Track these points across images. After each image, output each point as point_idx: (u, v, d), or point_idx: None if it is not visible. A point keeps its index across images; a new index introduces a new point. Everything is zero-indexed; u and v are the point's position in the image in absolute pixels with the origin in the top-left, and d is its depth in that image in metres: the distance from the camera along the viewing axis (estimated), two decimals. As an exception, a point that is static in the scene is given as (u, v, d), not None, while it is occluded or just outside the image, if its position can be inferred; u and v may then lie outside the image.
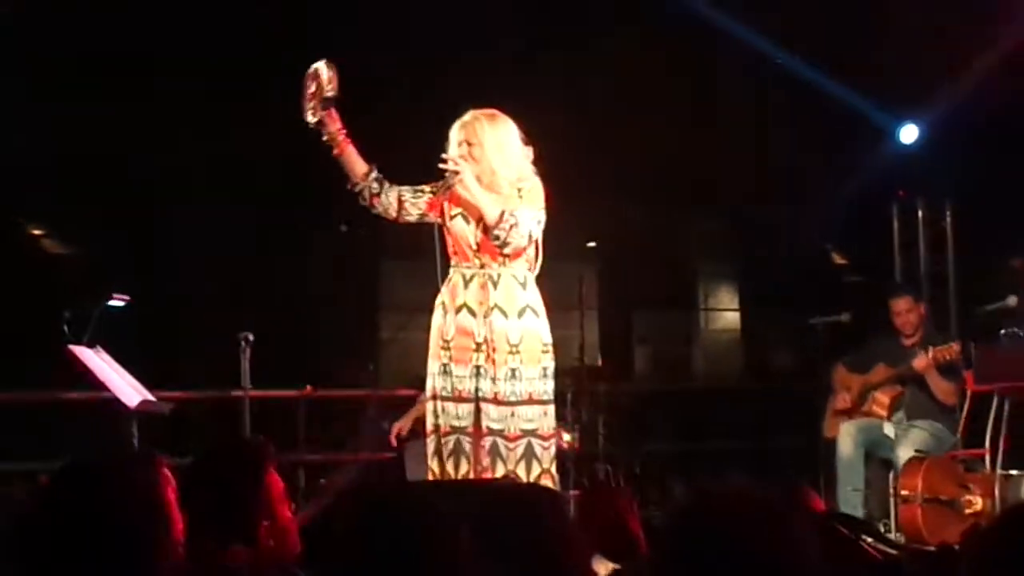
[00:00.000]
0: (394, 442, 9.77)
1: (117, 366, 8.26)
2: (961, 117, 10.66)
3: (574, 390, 10.38)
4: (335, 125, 6.87)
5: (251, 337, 8.65)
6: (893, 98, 11.10)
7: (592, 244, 10.72)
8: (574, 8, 11.23)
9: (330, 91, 6.83)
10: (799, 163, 12.03)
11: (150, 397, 8.23)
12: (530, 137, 7.03)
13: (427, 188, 6.98)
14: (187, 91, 11.20)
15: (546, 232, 6.99)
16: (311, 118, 6.88)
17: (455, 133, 6.93)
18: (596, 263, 11.16)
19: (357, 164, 7.00)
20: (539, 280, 7.00)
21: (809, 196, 12.20)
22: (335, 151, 6.93)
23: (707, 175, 12.50)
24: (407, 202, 6.99)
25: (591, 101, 11.62)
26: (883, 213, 11.61)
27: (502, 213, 6.76)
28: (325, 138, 6.90)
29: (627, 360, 13.68)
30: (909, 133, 11.21)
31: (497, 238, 6.78)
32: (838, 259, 13.40)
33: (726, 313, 14.50)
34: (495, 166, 6.88)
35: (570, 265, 10.79)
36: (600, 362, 11.66)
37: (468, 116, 6.94)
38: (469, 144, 6.87)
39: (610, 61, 11.32)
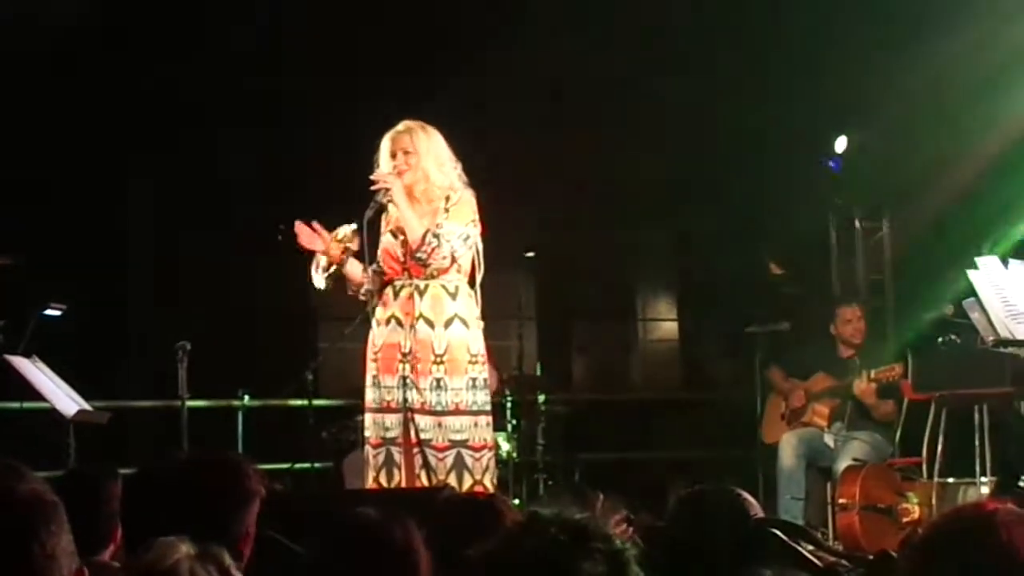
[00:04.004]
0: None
1: (54, 375, 8.21)
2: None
3: (512, 400, 10.35)
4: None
5: (188, 347, 8.59)
6: (830, 108, 11.12)
7: (530, 254, 10.68)
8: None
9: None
10: (736, 174, 12.06)
11: (87, 407, 8.18)
12: (468, 147, 7.07)
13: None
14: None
15: (484, 241, 7.02)
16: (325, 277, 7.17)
17: (387, 144, 6.97)
18: (534, 273, 11.13)
19: (357, 271, 7.10)
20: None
21: (746, 207, 12.22)
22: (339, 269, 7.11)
23: (644, 187, 12.52)
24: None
25: (530, 114, 11.62)
26: (820, 223, 11.64)
27: (425, 234, 6.82)
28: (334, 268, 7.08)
29: (566, 370, 13.67)
30: (842, 143, 11.19)
31: (419, 259, 6.84)
32: (775, 269, 13.43)
33: (664, 323, 14.52)
34: (431, 174, 6.93)
35: (508, 275, 10.78)
36: (539, 372, 11.63)
37: (402, 126, 7.00)
38: (406, 153, 6.92)
39: (545, 74, 11.34)
